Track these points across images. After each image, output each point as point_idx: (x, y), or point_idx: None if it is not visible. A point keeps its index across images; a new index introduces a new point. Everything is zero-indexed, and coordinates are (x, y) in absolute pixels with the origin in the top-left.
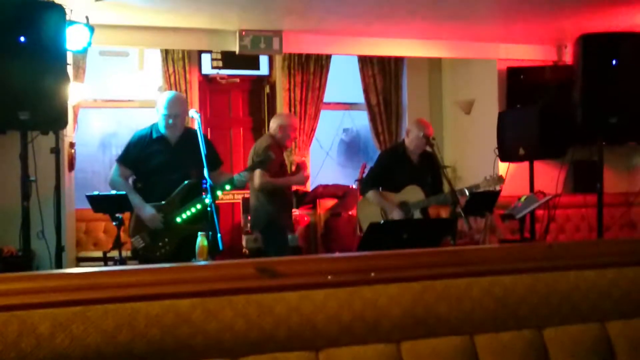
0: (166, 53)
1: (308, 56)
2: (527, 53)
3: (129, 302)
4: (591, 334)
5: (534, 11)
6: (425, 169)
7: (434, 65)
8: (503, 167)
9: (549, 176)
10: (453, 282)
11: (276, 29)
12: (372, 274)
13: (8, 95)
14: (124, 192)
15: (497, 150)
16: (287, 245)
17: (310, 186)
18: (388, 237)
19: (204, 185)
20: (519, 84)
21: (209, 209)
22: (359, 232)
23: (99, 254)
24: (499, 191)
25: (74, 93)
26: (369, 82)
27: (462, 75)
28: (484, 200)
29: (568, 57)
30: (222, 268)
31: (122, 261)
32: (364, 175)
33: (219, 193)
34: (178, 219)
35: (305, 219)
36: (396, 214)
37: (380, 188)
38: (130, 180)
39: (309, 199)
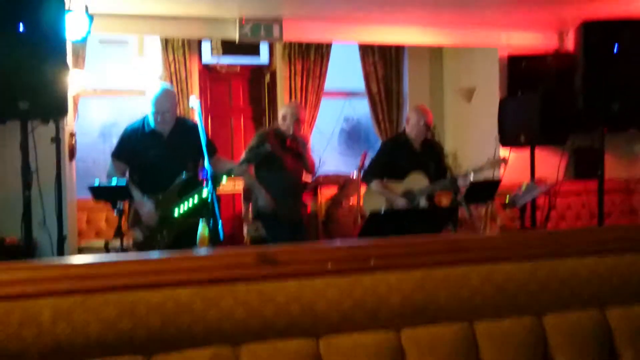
0: (166, 42)
1: (308, 44)
2: (529, 40)
3: (130, 290)
4: (591, 320)
5: None
6: (428, 156)
7: (435, 53)
8: (504, 155)
9: (550, 163)
10: (453, 270)
11: (276, 16)
12: (372, 262)
13: (8, 85)
14: (124, 182)
15: (498, 138)
16: (284, 235)
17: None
18: (388, 225)
19: (204, 175)
20: (520, 71)
21: (209, 198)
22: (359, 221)
23: (101, 243)
24: (500, 180)
25: (74, 82)
26: (369, 70)
27: (463, 63)
28: (485, 188)
29: (569, 45)
30: (222, 257)
31: (123, 251)
32: (367, 165)
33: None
34: (175, 213)
35: (306, 207)
36: (400, 203)
37: (385, 177)
38: (127, 174)
39: (310, 188)
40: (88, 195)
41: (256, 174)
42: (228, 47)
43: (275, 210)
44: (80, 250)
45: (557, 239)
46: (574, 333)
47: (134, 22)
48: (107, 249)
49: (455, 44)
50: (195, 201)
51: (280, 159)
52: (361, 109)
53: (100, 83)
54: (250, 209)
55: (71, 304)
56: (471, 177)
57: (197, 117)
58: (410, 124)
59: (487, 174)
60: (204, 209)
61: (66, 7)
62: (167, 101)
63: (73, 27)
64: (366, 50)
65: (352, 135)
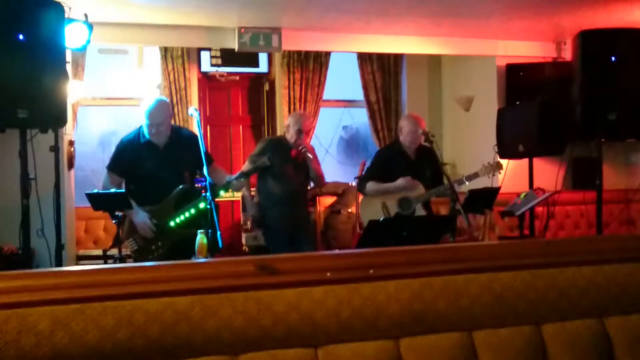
0: (165, 51)
1: (307, 53)
2: (527, 50)
3: (128, 299)
4: (590, 329)
5: (533, 8)
6: (424, 163)
7: (434, 62)
8: (502, 164)
9: (549, 173)
10: (452, 279)
11: (275, 26)
12: (371, 271)
13: (7, 94)
14: (123, 190)
15: (496, 147)
16: (280, 245)
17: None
18: (387, 234)
19: (203, 184)
20: (518, 80)
21: (208, 206)
22: (359, 230)
23: (99, 252)
24: (499, 188)
25: (73, 91)
26: (368, 79)
27: (461, 72)
28: (483, 197)
29: (567, 54)
30: (221, 265)
31: (121, 259)
32: (362, 174)
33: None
34: (171, 223)
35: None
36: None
37: None
38: (123, 184)
39: (309, 196)
40: (86, 204)
41: (258, 182)
42: (227, 57)
43: (274, 219)
44: (79, 259)
45: (555, 249)
46: (572, 342)
47: (133, 31)
48: (105, 257)
49: (454, 53)
50: (192, 212)
51: (281, 169)
52: (360, 117)
53: (99, 92)
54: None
55: (69, 312)
56: (466, 183)
57: (196, 126)
58: (403, 132)
59: (483, 180)
60: (200, 220)
61: (66, 17)
62: (161, 113)
63: (73, 36)
64: (365, 60)
65: (351, 144)
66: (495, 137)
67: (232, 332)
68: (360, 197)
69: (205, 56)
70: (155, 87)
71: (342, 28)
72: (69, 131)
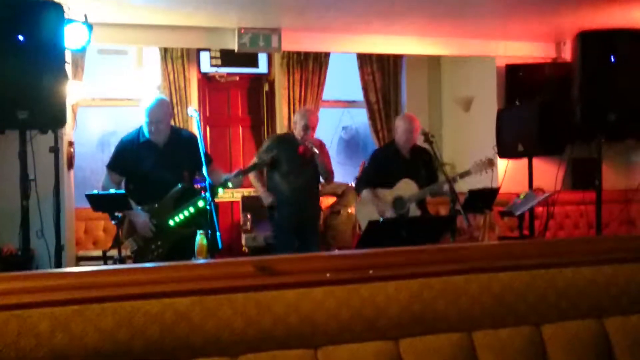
0: (165, 51)
1: (307, 54)
2: (526, 50)
3: (128, 300)
4: (589, 330)
5: (532, 8)
6: (418, 162)
7: (433, 62)
8: (502, 164)
9: (548, 173)
10: (451, 279)
11: (275, 26)
12: (371, 272)
13: (6, 95)
14: (123, 191)
15: (496, 148)
16: (283, 246)
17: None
18: (387, 234)
19: (202, 184)
20: (517, 81)
21: (208, 207)
22: (358, 230)
23: (99, 253)
24: (498, 188)
25: (73, 92)
26: (368, 79)
27: (461, 72)
28: (483, 197)
29: (567, 54)
30: (221, 266)
31: (121, 260)
32: (359, 175)
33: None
34: (171, 222)
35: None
36: (389, 214)
37: (377, 186)
38: (122, 183)
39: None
40: (86, 205)
41: (267, 180)
42: (227, 57)
43: (281, 218)
44: (78, 260)
45: (555, 249)
46: (572, 343)
47: (133, 32)
48: (104, 258)
49: (453, 53)
50: (192, 211)
51: (289, 166)
52: (359, 118)
53: (99, 93)
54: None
55: (69, 314)
56: (458, 181)
57: (195, 126)
58: (398, 132)
59: (482, 180)
60: (200, 219)
61: (65, 17)
62: (160, 111)
63: (72, 37)
64: (364, 60)
65: (351, 145)
66: (494, 138)
67: (232, 333)
68: (358, 198)
69: (204, 57)
70: (154, 88)
71: (342, 29)
72: (68, 132)
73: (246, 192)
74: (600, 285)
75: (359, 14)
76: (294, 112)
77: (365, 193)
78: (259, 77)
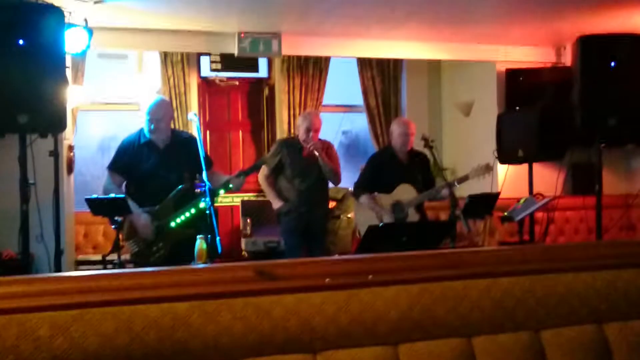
0: (165, 56)
1: (307, 58)
2: (526, 55)
3: (127, 305)
4: (589, 336)
5: (532, 13)
6: (415, 167)
7: (433, 67)
8: (502, 169)
9: (548, 178)
10: (451, 285)
11: (275, 31)
12: (370, 277)
13: (7, 98)
14: (122, 195)
15: (496, 152)
16: (291, 249)
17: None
18: (387, 239)
19: (202, 188)
20: (518, 85)
21: (207, 211)
22: (358, 235)
23: (98, 257)
24: (498, 193)
25: (73, 96)
26: (368, 84)
27: (461, 77)
28: (483, 202)
29: (567, 59)
30: (220, 271)
31: (120, 264)
32: (357, 180)
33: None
34: (172, 224)
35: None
36: (387, 219)
37: (374, 191)
38: (123, 186)
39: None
40: (86, 209)
41: (275, 182)
42: (227, 62)
43: (288, 222)
44: (78, 264)
45: (555, 254)
46: (572, 348)
47: (133, 36)
48: (104, 263)
49: (454, 58)
50: (192, 212)
51: (293, 170)
52: (359, 123)
53: (99, 97)
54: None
55: (68, 318)
56: (457, 186)
57: (195, 130)
58: (393, 136)
59: (482, 185)
60: (200, 221)
61: (66, 22)
62: (161, 109)
63: (72, 41)
64: (364, 65)
65: (351, 149)
66: (494, 143)
67: (231, 338)
68: (354, 205)
69: (205, 61)
70: (154, 92)
71: (342, 33)
72: (68, 136)
73: (246, 196)
74: (600, 291)
75: (359, 18)
76: (294, 116)
77: (363, 198)
78: (259, 82)
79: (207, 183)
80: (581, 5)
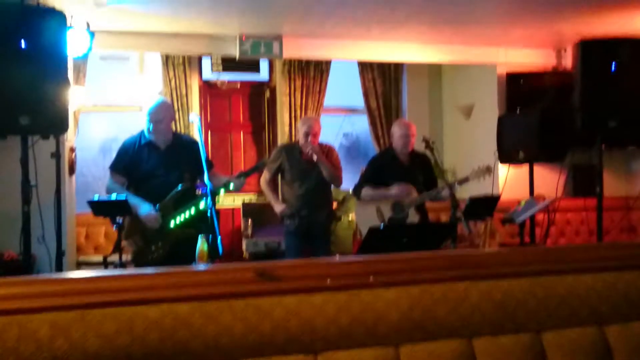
0: (166, 58)
1: (308, 61)
2: (527, 58)
3: (128, 306)
4: (589, 337)
5: (533, 16)
6: (416, 168)
7: (434, 69)
8: (503, 171)
9: (549, 180)
10: (452, 286)
11: (276, 33)
12: (371, 278)
13: (9, 100)
14: (124, 197)
15: (497, 155)
16: (291, 251)
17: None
18: (388, 241)
19: (204, 190)
20: (518, 88)
21: (209, 213)
22: (359, 236)
23: (99, 258)
24: (499, 195)
25: (75, 98)
26: (368, 86)
27: (461, 79)
28: (484, 204)
29: (567, 62)
30: (221, 272)
31: (122, 265)
32: (357, 181)
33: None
34: (171, 223)
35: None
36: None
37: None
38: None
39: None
40: (87, 210)
41: (280, 187)
42: (228, 64)
43: (290, 226)
44: (79, 265)
45: (556, 256)
46: (572, 350)
47: (134, 38)
48: (105, 264)
49: (454, 61)
50: (192, 212)
51: (292, 174)
52: (360, 125)
53: (100, 99)
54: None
55: (69, 319)
56: (457, 187)
57: (197, 132)
58: (394, 138)
59: (483, 186)
60: (201, 221)
61: (68, 24)
62: (161, 111)
63: (74, 44)
64: (365, 67)
65: (352, 151)
66: (495, 145)
67: (232, 339)
68: (356, 204)
69: (206, 63)
70: (156, 94)
71: (343, 35)
72: (70, 137)
73: (247, 198)
74: (600, 293)
75: (360, 21)
76: (295, 118)
77: (366, 191)
78: (260, 84)
79: (209, 184)
80: (582, 8)
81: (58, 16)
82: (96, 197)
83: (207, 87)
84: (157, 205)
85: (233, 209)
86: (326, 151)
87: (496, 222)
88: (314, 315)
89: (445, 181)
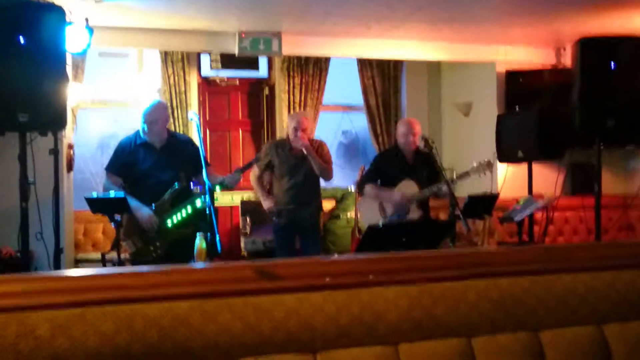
0: (165, 54)
1: (307, 58)
2: (526, 56)
3: (128, 304)
4: (588, 336)
5: (532, 14)
6: (421, 167)
7: (433, 67)
8: (502, 170)
9: (548, 178)
10: (450, 285)
11: (275, 30)
12: (370, 277)
13: (7, 97)
14: (122, 194)
15: (496, 153)
16: (280, 247)
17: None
18: (386, 239)
19: (200, 188)
20: (517, 86)
21: (207, 211)
22: (358, 234)
23: (98, 255)
24: (498, 194)
25: (73, 94)
26: (368, 84)
27: (461, 77)
28: (482, 202)
29: (567, 60)
30: (220, 270)
31: (120, 263)
32: (361, 177)
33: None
34: (169, 223)
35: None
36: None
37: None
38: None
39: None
40: (85, 207)
41: (271, 183)
42: (227, 61)
43: (279, 222)
44: (77, 262)
45: (554, 255)
46: (571, 349)
47: (133, 35)
48: (103, 261)
49: (454, 58)
50: (189, 211)
51: (281, 169)
52: (359, 122)
53: (99, 95)
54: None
55: (69, 317)
56: (457, 183)
57: (195, 130)
58: (397, 136)
59: (482, 184)
60: (199, 219)
61: (67, 20)
62: (155, 112)
63: (73, 40)
64: (364, 65)
65: (350, 149)
66: (494, 143)
67: (231, 338)
68: (359, 199)
69: (205, 60)
70: (155, 91)
71: (342, 33)
72: (68, 134)
73: (245, 196)
74: (599, 292)
75: (359, 18)
76: None
77: (369, 189)
78: (259, 81)
79: (207, 183)
80: (581, 6)
81: (57, 12)
82: (94, 194)
83: (206, 84)
84: (154, 205)
85: (232, 207)
86: (316, 146)
87: (495, 221)
88: (313, 314)
89: (444, 178)
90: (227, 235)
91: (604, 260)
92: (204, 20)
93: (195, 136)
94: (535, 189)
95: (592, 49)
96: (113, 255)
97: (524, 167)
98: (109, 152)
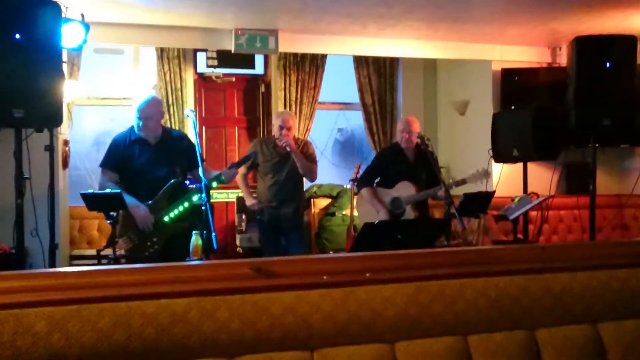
0: (161, 51)
1: (303, 56)
2: (522, 55)
3: (125, 301)
4: (583, 335)
5: (528, 13)
6: (421, 166)
7: (429, 65)
8: (497, 168)
9: (543, 177)
10: (447, 283)
11: (272, 28)
12: (367, 275)
13: (2, 93)
14: (118, 191)
15: (491, 151)
16: (266, 244)
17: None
18: (382, 237)
19: (198, 185)
20: (513, 85)
21: (203, 207)
22: (353, 232)
23: (93, 252)
24: (493, 192)
25: (69, 91)
26: (364, 82)
27: (456, 76)
28: (477, 201)
29: (562, 59)
30: (218, 268)
31: (115, 259)
32: (361, 172)
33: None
34: (165, 218)
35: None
36: (382, 215)
37: (377, 185)
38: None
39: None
40: (80, 204)
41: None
42: (223, 58)
43: (263, 219)
44: (72, 259)
45: (550, 254)
46: (566, 348)
47: (129, 31)
48: (98, 257)
49: (450, 57)
50: (185, 206)
51: (265, 167)
52: (355, 120)
53: (94, 92)
54: (243, 218)
55: (66, 313)
56: (452, 188)
57: (191, 126)
58: (397, 134)
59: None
60: (195, 216)
61: (62, 16)
62: (150, 108)
63: (69, 36)
64: (361, 62)
65: (346, 147)
66: (489, 142)
67: (229, 335)
68: (356, 197)
69: (201, 57)
70: (150, 88)
71: (339, 31)
72: (64, 131)
73: (241, 192)
74: (594, 291)
75: (355, 16)
76: None
77: (365, 191)
78: (255, 78)
79: (203, 179)
80: (576, 6)
81: (53, 7)
82: (90, 191)
83: (202, 81)
84: (150, 201)
85: (227, 203)
86: (301, 145)
87: (490, 219)
88: (310, 311)
89: (442, 181)
90: (223, 232)
91: (599, 259)
92: (201, 17)
93: (191, 133)
94: (530, 188)
95: (587, 48)
96: (108, 252)
97: (519, 165)
98: (105, 149)
